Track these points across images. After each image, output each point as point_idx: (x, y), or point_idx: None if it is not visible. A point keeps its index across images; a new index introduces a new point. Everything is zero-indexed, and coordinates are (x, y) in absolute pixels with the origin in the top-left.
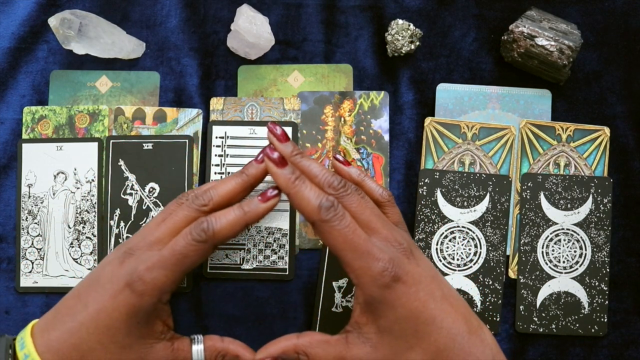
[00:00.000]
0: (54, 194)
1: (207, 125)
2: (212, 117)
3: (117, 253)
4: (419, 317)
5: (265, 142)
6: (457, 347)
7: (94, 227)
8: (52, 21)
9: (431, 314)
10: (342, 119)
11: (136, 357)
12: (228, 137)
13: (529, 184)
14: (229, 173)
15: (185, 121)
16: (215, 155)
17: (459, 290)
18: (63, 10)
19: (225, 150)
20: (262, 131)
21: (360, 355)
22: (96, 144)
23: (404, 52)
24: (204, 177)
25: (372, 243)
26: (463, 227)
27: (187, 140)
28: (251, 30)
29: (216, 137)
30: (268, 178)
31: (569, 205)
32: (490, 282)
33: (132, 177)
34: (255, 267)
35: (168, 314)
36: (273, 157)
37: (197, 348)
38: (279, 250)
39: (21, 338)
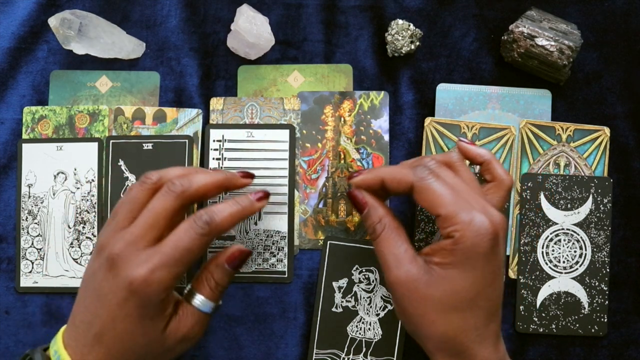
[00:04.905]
0: (54, 194)
1: (205, 128)
2: (212, 117)
3: (99, 259)
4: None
5: (263, 145)
6: None
7: (94, 227)
8: (52, 21)
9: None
10: (342, 119)
11: (159, 346)
12: (225, 140)
13: (529, 184)
14: None
15: (185, 121)
16: (213, 158)
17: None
18: (63, 10)
19: (222, 154)
20: (259, 134)
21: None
22: (96, 144)
23: (404, 52)
24: None
25: None
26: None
27: (186, 141)
28: (251, 30)
29: (214, 141)
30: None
31: (569, 205)
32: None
33: (132, 177)
34: (254, 270)
35: (174, 296)
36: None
37: (197, 301)
38: (278, 253)
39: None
